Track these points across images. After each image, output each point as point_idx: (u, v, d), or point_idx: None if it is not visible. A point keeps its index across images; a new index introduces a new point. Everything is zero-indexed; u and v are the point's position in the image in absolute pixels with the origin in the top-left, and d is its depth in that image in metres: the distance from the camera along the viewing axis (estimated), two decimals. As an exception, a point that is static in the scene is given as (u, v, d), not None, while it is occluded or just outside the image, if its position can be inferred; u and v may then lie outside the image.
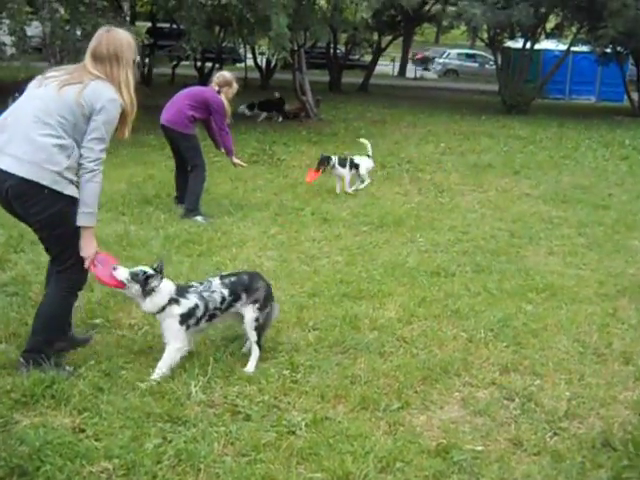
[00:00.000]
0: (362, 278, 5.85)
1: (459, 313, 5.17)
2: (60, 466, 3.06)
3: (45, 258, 4.32)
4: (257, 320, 4.21)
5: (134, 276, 3.99)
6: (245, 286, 4.26)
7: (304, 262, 6.28)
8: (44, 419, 3.47)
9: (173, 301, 4.05)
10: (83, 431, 3.41)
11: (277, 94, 17.52)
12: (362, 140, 9.97)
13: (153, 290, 4.01)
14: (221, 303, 4.17)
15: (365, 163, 9.54)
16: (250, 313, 4.21)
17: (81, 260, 3.87)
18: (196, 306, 4.09)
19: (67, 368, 3.98)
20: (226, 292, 4.19)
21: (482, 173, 11.20)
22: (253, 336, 4.21)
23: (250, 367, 4.15)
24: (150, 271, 4.03)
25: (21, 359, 3.93)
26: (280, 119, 17.17)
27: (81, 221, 3.80)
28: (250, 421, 3.59)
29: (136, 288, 3.99)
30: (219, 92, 7.76)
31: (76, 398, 3.66)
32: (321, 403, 3.81)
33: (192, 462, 3.20)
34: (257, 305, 4.23)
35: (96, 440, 3.33)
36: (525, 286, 5.81)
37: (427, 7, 28.31)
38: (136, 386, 3.84)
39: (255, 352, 4.21)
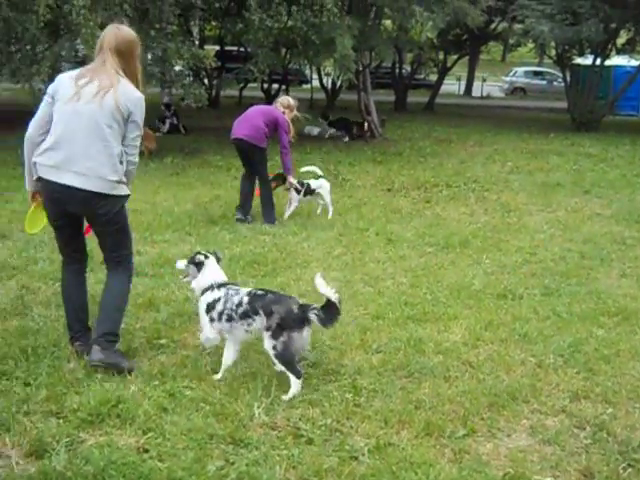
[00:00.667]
0: (427, 300, 5.77)
1: (527, 337, 5.04)
2: (124, 486, 3.10)
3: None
4: (275, 348, 4.09)
5: (190, 260, 4.49)
6: (264, 304, 4.17)
7: (368, 283, 6.23)
8: (109, 438, 3.51)
9: (209, 288, 4.34)
10: (147, 451, 3.43)
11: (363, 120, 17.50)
12: (307, 168, 9.23)
13: (202, 263, 4.41)
14: (237, 306, 4.21)
15: (325, 186, 8.98)
16: (266, 340, 4.15)
17: (131, 243, 4.48)
18: (218, 299, 4.28)
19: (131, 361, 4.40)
20: (246, 299, 4.22)
21: (551, 192, 10.96)
22: (278, 365, 4.15)
23: (287, 395, 4.04)
24: (202, 251, 4.56)
25: (96, 345, 4.22)
26: (346, 139, 17.23)
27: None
28: (312, 445, 3.56)
29: (193, 270, 4.44)
30: (283, 113, 8.37)
31: (141, 418, 3.70)
32: (384, 428, 3.75)
33: (254, 486, 3.19)
34: (269, 332, 4.11)
35: (159, 461, 3.35)
36: (596, 310, 5.63)
37: (493, 25, 28.05)
38: (200, 407, 3.86)
39: (291, 381, 4.07)
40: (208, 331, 4.31)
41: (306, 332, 4.14)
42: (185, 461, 3.34)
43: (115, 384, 4.05)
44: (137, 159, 4.33)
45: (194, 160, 13.19)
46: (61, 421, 3.66)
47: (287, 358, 4.09)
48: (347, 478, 3.28)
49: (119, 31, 4.28)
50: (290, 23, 13.04)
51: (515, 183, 11.71)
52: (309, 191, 8.82)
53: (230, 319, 4.23)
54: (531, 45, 22.68)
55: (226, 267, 6.40)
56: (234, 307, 4.22)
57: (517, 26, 22.26)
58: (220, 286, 4.35)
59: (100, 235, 4.39)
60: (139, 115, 4.22)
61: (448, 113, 25.36)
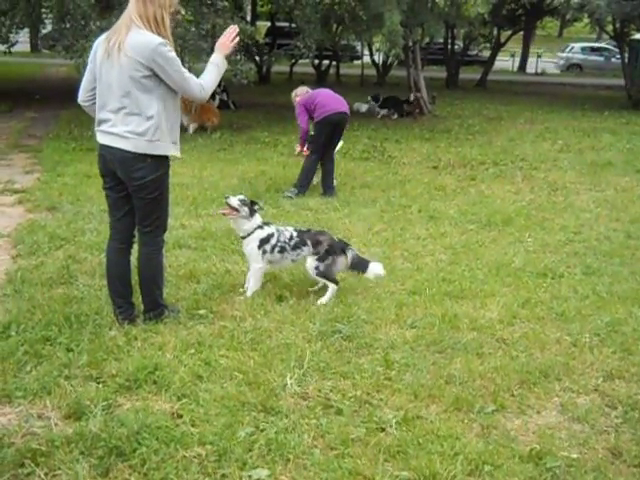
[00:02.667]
0: (465, 277, 5.76)
1: (564, 316, 5.00)
2: (156, 449, 3.20)
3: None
4: (317, 268, 5.16)
5: (242, 202, 5.12)
6: (310, 236, 5.26)
7: (407, 259, 6.25)
8: (145, 404, 3.63)
9: (259, 227, 5.18)
10: (180, 417, 3.55)
11: (412, 96, 17.38)
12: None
13: (259, 209, 5.23)
14: (289, 239, 5.20)
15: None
16: (311, 262, 5.17)
17: (162, 220, 4.49)
18: (272, 235, 5.18)
19: (177, 308, 4.81)
20: (295, 234, 5.26)
21: (600, 171, 10.75)
22: (318, 280, 5.24)
23: (324, 299, 5.10)
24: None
25: (147, 319, 4.58)
26: (395, 116, 17.13)
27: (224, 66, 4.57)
28: (341, 415, 3.62)
29: (245, 210, 5.10)
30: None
31: (176, 384, 3.82)
32: (414, 402, 3.79)
33: (281, 452, 3.27)
34: (316, 257, 5.17)
35: (192, 426, 3.46)
36: (638, 290, 5.55)
37: (549, 0, 27.38)
38: (234, 375, 3.96)
39: (330, 286, 5.17)
40: (259, 261, 5.14)
41: (343, 259, 5.23)
42: (217, 426, 3.44)
43: (153, 351, 4.18)
44: (203, 92, 4.33)
45: (242, 136, 13.29)
46: (100, 386, 3.80)
47: (328, 274, 5.18)
48: (374, 448, 3.34)
49: None
50: (338, -2, 12.98)
51: (564, 162, 11.50)
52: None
53: (283, 250, 5.20)
54: (587, 20, 22.04)
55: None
56: (287, 240, 5.20)
57: (573, 0, 21.65)
58: (265, 224, 5.25)
59: (135, 203, 4.41)
60: (161, 60, 4.09)
61: (500, 90, 24.97)
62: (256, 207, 5.22)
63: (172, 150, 4.35)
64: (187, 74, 4.24)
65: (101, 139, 4.32)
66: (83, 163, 9.99)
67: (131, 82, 4.14)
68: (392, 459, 3.28)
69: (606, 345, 4.54)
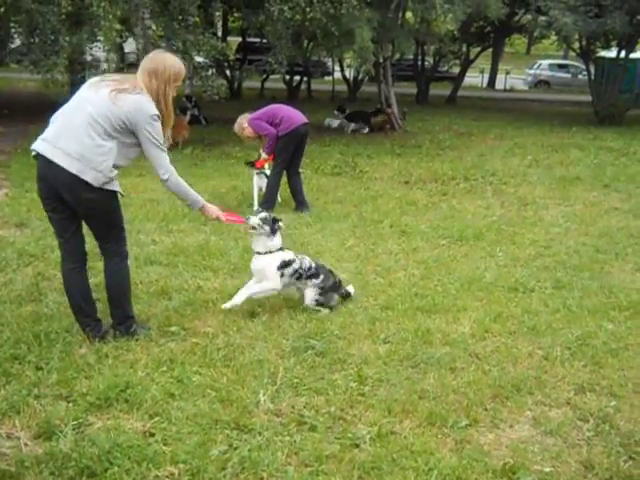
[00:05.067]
0: (437, 292, 5.79)
1: (536, 330, 5.04)
2: (127, 469, 3.16)
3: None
4: (316, 300, 5.33)
5: (264, 220, 5.17)
6: (324, 271, 5.42)
7: (379, 274, 6.26)
8: (116, 422, 3.58)
9: (281, 249, 5.28)
10: (152, 435, 3.51)
11: (378, 106, 17.50)
12: None
13: (277, 230, 5.23)
14: (308, 269, 5.31)
15: None
16: (311, 293, 5.33)
17: (120, 235, 4.53)
18: (294, 260, 5.27)
19: (147, 326, 4.78)
20: (314, 265, 5.38)
21: (569, 186, 10.88)
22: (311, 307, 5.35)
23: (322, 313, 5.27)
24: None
25: (117, 333, 4.57)
26: (366, 130, 17.22)
27: (193, 208, 4.78)
28: (315, 432, 3.61)
29: (266, 229, 5.15)
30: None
31: (148, 403, 3.77)
32: (387, 417, 3.78)
33: (255, 470, 3.25)
34: (320, 290, 5.34)
35: (164, 444, 3.42)
36: (607, 304, 5.61)
37: (517, 17, 27.77)
38: (207, 393, 3.92)
39: (322, 312, 5.29)
40: (276, 282, 5.19)
41: (337, 297, 5.45)
42: (189, 445, 3.40)
43: (125, 369, 4.13)
44: (167, 176, 4.45)
45: (213, 151, 13.27)
46: (70, 404, 3.75)
47: (322, 303, 5.33)
48: (348, 464, 3.33)
49: (156, 54, 4.54)
50: (310, 15, 13.02)
51: (534, 177, 11.64)
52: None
53: (300, 277, 5.29)
54: (555, 37, 22.37)
55: (239, 257, 6.51)
56: (306, 269, 5.30)
57: (541, 18, 21.97)
58: (285, 249, 5.34)
59: (86, 222, 4.47)
60: (150, 129, 4.25)
61: (470, 106, 25.24)
62: (277, 226, 5.24)
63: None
64: (164, 153, 4.40)
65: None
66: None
67: (97, 119, 4.18)
68: (366, 475, 3.27)
69: (577, 358, 4.58)
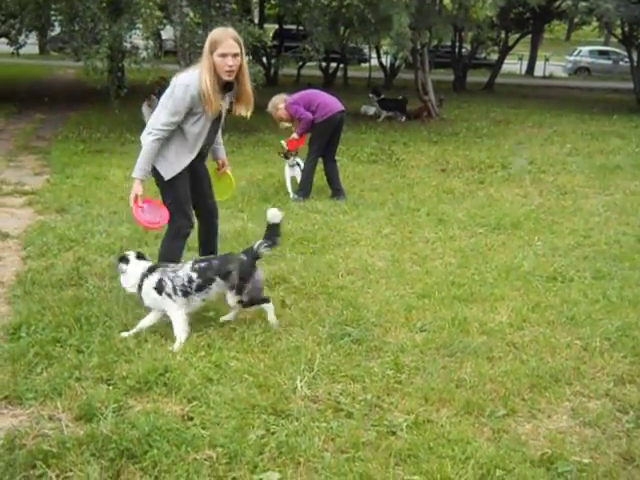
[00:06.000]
0: (474, 281, 5.75)
1: (575, 320, 4.98)
2: (167, 451, 3.21)
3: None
4: (241, 302, 4.63)
5: (118, 262, 4.63)
6: (216, 270, 4.55)
7: (416, 263, 6.24)
8: (155, 406, 3.64)
9: (146, 276, 4.51)
10: (191, 419, 3.55)
11: (401, 97, 17.42)
12: None
13: (124, 258, 4.60)
14: (189, 282, 4.48)
15: None
16: (231, 298, 4.60)
17: (178, 211, 4.93)
18: (161, 280, 4.47)
19: None
20: (194, 275, 4.51)
21: (609, 175, 10.70)
22: (248, 308, 4.71)
23: (270, 317, 4.70)
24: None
25: None
26: (403, 119, 17.10)
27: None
28: (352, 419, 3.62)
29: (122, 267, 4.57)
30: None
31: (187, 387, 3.82)
32: (424, 405, 3.78)
33: (292, 455, 3.27)
34: (234, 290, 4.57)
35: (203, 428, 3.46)
36: (648, 294, 5.53)
37: (557, 3, 27.32)
38: (244, 378, 3.96)
39: (268, 312, 4.71)
40: (176, 307, 4.48)
41: (260, 269, 4.71)
42: (227, 429, 3.44)
43: (163, 354, 4.19)
44: (146, 132, 4.78)
45: (250, 138, 13.30)
46: (110, 387, 3.81)
47: (254, 301, 4.66)
48: (384, 452, 3.34)
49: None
50: (347, 1, 12.96)
51: (573, 165, 11.47)
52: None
53: (186, 294, 4.50)
54: (596, 24, 21.99)
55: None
56: (186, 283, 4.49)
57: (582, 4, 21.59)
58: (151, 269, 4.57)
59: None
60: (167, 94, 4.77)
61: (508, 93, 24.93)
62: (124, 259, 4.64)
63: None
64: (161, 115, 4.75)
65: None
66: (92, 165, 10.02)
67: None
68: (403, 463, 3.27)
69: (617, 349, 4.52)
